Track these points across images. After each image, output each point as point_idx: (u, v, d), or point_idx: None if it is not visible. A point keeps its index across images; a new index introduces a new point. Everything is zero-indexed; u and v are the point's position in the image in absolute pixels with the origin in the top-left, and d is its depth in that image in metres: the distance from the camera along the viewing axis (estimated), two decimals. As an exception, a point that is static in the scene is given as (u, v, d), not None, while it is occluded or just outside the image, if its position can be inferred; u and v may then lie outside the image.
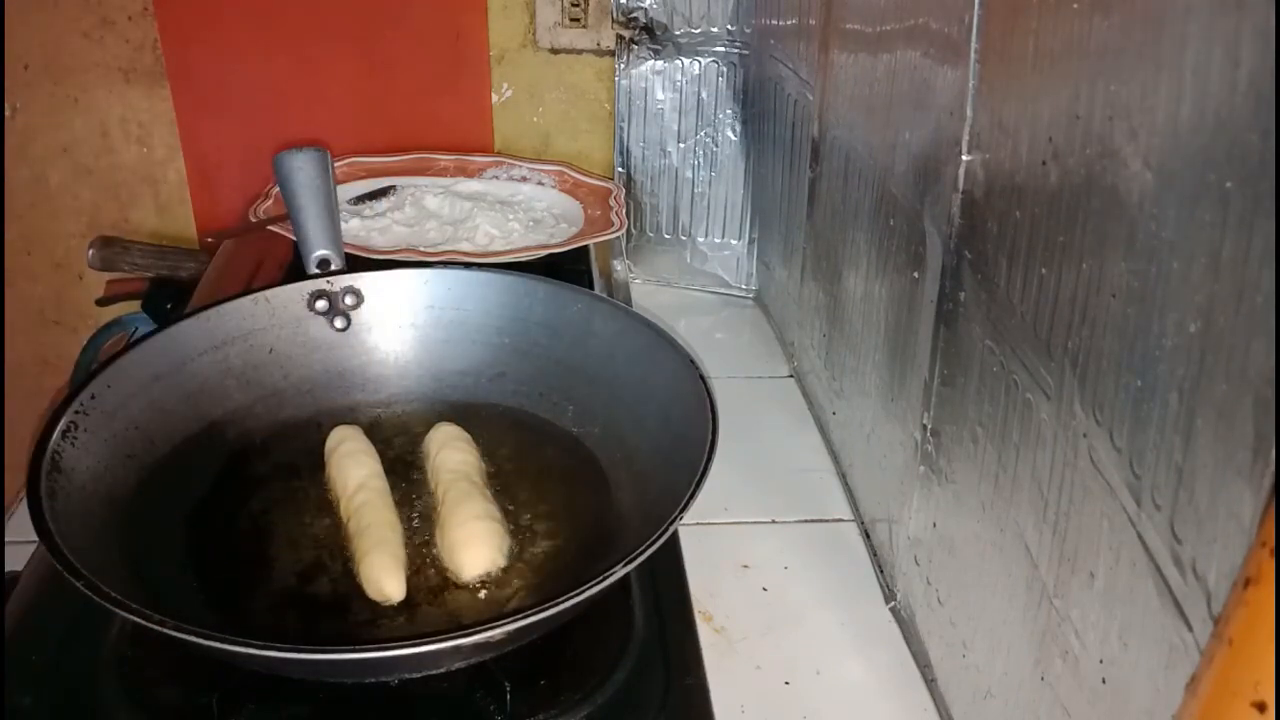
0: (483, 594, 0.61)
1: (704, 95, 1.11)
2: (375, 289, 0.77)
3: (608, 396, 0.72)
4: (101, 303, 1.17)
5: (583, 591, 0.50)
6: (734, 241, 1.16)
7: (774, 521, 0.80)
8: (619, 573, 0.51)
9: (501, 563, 0.62)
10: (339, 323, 0.77)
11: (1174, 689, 0.36)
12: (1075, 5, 0.43)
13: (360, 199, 1.08)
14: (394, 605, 0.59)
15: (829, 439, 0.89)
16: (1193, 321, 0.35)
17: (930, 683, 0.64)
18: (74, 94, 1.17)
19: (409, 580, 0.61)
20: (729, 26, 1.08)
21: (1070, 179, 0.44)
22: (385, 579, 0.59)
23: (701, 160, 1.14)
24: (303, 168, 0.79)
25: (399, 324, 0.78)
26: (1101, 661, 0.42)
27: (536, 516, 0.67)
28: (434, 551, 0.63)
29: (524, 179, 1.16)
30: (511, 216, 1.06)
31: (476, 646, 0.50)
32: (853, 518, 0.80)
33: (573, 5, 1.14)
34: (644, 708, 0.57)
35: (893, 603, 0.71)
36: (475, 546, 0.62)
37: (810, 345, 0.94)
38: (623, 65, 1.12)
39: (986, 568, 0.55)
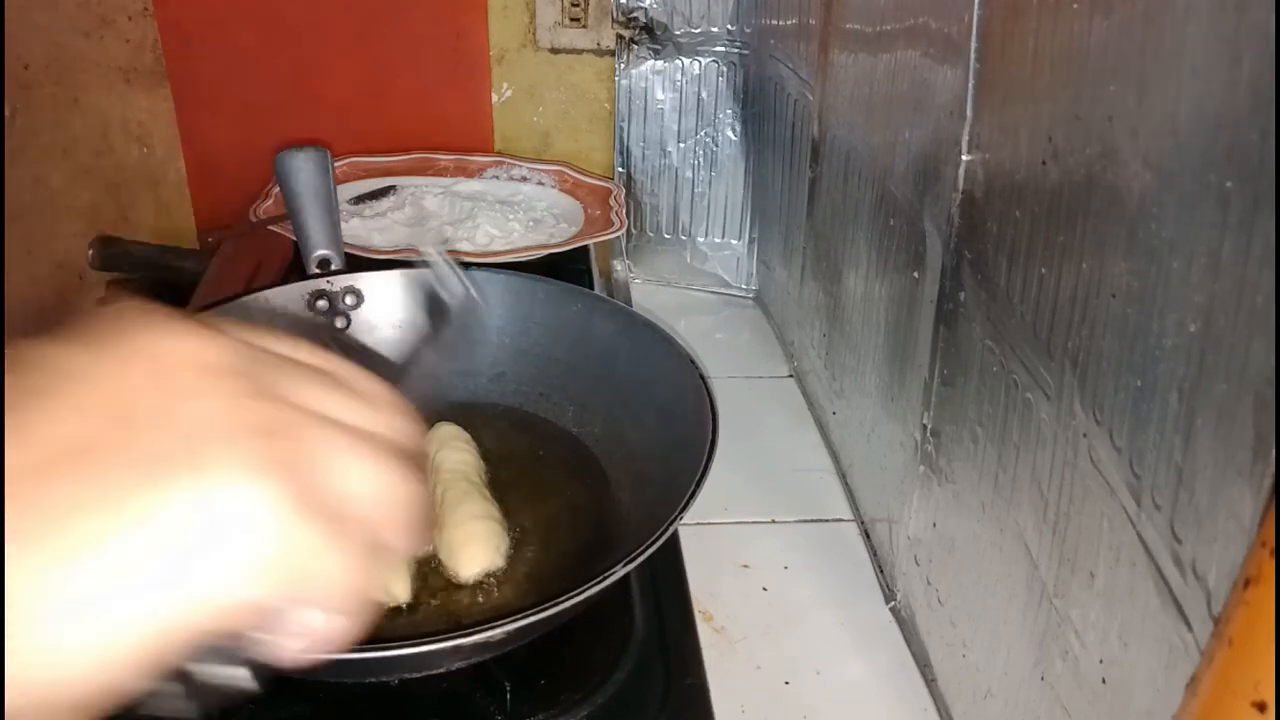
0: (482, 594, 0.61)
1: (704, 95, 1.11)
2: (375, 289, 0.77)
3: (608, 396, 0.72)
4: (102, 303, 1.17)
5: (583, 591, 0.50)
6: (734, 241, 1.16)
7: (774, 521, 0.80)
8: (619, 573, 0.51)
9: (500, 562, 0.62)
10: (339, 323, 0.77)
11: (1174, 689, 0.36)
12: (1075, 5, 0.43)
13: (360, 199, 1.08)
14: (396, 605, 0.59)
15: (829, 439, 0.89)
16: (1193, 321, 0.35)
17: (930, 683, 0.64)
18: (74, 94, 1.17)
19: (408, 580, 0.61)
20: (729, 26, 1.08)
21: (1070, 179, 0.44)
22: (391, 579, 0.59)
23: (701, 160, 1.14)
24: (303, 168, 0.79)
25: (399, 324, 0.78)
26: (1101, 661, 0.42)
27: (536, 516, 0.67)
28: (433, 551, 0.63)
29: (524, 179, 1.16)
30: (511, 216, 1.06)
31: (476, 646, 0.50)
32: (853, 518, 0.80)
33: (573, 5, 1.14)
34: (644, 708, 0.57)
35: (893, 603, 0.71)
36: (474, 546, 0.62)
37: (810, 345, 0.94)
38: (623, 65, 1.12)
39: (986, 568, 0.55)
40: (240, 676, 0.27)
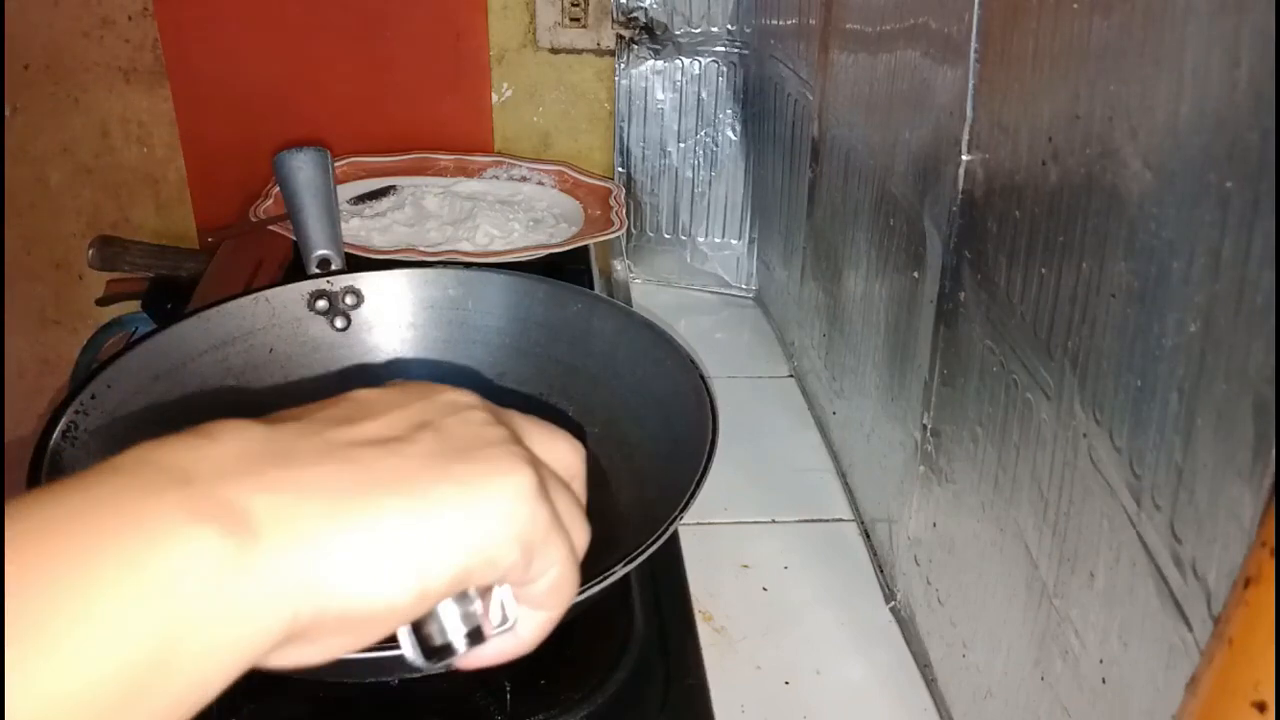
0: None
1: (704, 95, 1.11)
2: (375, 289, 0.77)
3: (608, 396, 0.72)
4: (101, 303, 1.17)
5: (583, 591, 0.50)
6: (734, 241, 1.16)
7: (774, 521, 0.80)
8: (619, 573, 0.51)
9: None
10: (339, 323, 0.77)
11: (1174, 689, 0.36)
12: (1075, 5, 0.43)
13: (360, 199, 1.08)
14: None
15: (829, 439, 0.89)
16: (1193, 321, 0.35)
17: (930, 683, 0.64)
18: (74, 94, 1.17)
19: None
20: (729, 26, 1.08)
21: (1070, 179, 0.44)
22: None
23: (701, 160, 1.14)
24: (303, 168, 0.79)
25: (399, 324, 0.78)
26: (1101, 661, 0.42)
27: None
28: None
29: (524, 179, 1.16)
30: (511, 216, 1.06)
31: (476, 646, 0.50)
32: (853, 518, 0.80)
33: (573, 5, 1.14)
34: (644, 708, 0.57)
35: (893, 603, 0.71)
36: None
37: (810, 345, 0.94)
38: (623, 65, 1.12)
39: (986, 568, 0.55)
40: (459, 646, 0.31)
